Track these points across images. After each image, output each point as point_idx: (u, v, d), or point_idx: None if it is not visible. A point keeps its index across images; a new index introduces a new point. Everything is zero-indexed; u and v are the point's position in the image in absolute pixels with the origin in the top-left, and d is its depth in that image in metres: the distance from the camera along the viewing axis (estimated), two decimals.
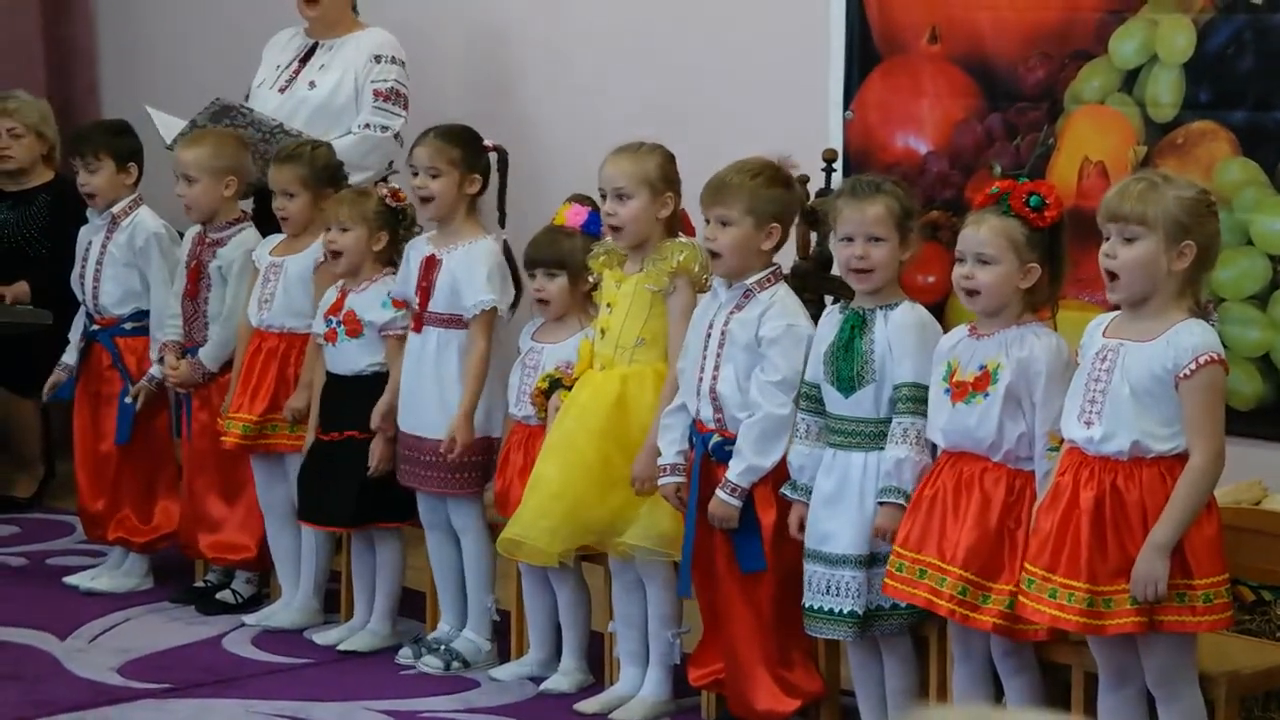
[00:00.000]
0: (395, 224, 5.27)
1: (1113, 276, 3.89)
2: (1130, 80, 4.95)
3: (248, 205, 5.78)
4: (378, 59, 5.96)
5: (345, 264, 5.25)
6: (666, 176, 4.73)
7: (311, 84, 5.98)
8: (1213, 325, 3.88)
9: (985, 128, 5.21)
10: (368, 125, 5.90)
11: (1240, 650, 4.15)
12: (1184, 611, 3.83)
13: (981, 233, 4.10)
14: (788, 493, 4.40)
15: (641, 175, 4.70)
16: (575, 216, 4.99)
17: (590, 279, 4.88)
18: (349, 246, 5.22)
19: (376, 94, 5.93)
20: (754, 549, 4.45)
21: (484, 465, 5.09)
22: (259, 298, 5.44)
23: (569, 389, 4.82)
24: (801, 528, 4.37)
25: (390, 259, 5.28)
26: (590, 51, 6.10)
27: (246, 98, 6.06)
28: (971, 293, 4.12)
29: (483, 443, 5.07)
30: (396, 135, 5.89)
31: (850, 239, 4.30)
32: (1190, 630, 3.86)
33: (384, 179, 5.73)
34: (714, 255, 4.50)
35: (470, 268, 5.03)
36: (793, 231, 4.66)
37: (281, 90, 6.01)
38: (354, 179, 5.60)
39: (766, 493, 4.44)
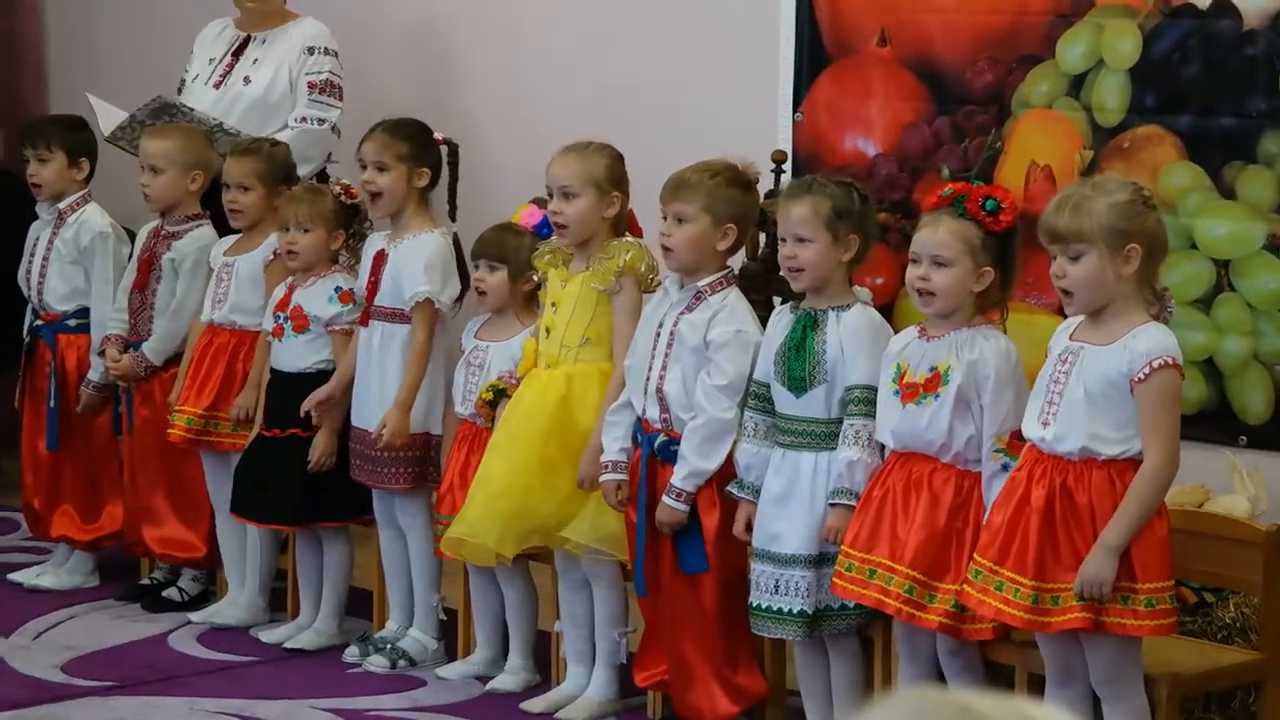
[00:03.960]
0: (350, 221, 5.27)
1: (1067, 293, 3.91)
2: (1077, 85, 4.98)
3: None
4: (311, 51, 5.91)
5: (302, 263, 5.23)
6: (614, 176, 4.72)
7: (246, 79, 5.94)
8: (1169, 313, 3.91)
9: (934, 130, 5.23)
10: (304, 119, 5.86)
11: (1182, 651, 4.18)
12: (1125, 614, 3.85)
13: (939, 234, 4.11)
14: (734, 490, 4.41)
15: (588, 175, 4.69)
16: (530, 217, 4.99)
17: (534, 278, 4.88)
18: (308, 246, 5.20)
19: (311, 86, 5.89)
20: (696, 550, 4.45)
21: (431, 462, 5.08)
22: (212, 297, 5.43)
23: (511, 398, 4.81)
24: (748, 527, 4.38)
25: (337, 256, 5.27)
26: (539, 48, 6.09)
27: (179, 92, 6.01)
28: (925, 294, 4.14)
29: (423, 439, 5.06)
30: (333, 127, 5.87)
31: (784, 239, 4.34)
32: (1131, 634, 3.88)
33: (323, 172, 5.72)
34: (666, 250, 4.50)
35: (411, 260, 5.02)
36: None
37: (216, 86, 5.96)
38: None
39: (710, 494, 4.45)
